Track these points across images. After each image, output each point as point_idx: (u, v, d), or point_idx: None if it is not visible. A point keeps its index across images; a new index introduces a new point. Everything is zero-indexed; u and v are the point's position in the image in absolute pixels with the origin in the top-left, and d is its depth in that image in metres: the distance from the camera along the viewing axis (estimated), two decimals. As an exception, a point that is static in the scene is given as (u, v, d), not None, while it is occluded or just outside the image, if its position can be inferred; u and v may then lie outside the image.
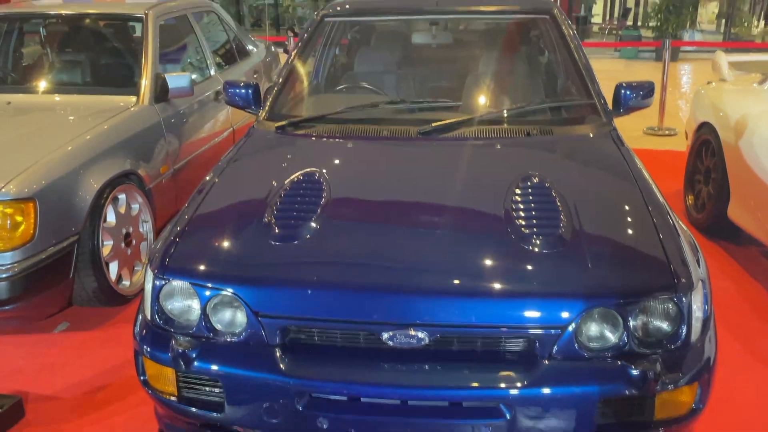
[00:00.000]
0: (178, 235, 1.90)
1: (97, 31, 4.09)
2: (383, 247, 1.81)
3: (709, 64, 4.54)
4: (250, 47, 5.48)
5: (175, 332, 1.76)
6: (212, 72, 4.46)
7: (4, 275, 2.44)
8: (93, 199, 2.83)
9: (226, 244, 1.87)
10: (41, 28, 4.12)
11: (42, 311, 2.73)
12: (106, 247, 2.93)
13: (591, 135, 2.45)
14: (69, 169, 2.76)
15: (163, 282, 1.77)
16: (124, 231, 3.10)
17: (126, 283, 3.09)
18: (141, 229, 3.26)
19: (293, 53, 2.97)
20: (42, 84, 3.72)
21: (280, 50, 7.03)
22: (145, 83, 3.56)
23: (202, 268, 1.77)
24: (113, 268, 2.99)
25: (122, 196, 3.09)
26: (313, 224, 1.86)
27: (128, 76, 3.76)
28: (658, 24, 12.04)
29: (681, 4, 11.81)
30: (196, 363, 1.68)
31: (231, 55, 5.04)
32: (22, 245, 2.50)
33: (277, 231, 1.84)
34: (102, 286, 2.87)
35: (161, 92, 3.58)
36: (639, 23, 15.68)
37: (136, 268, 3.20)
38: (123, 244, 3.09)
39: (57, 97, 3.51)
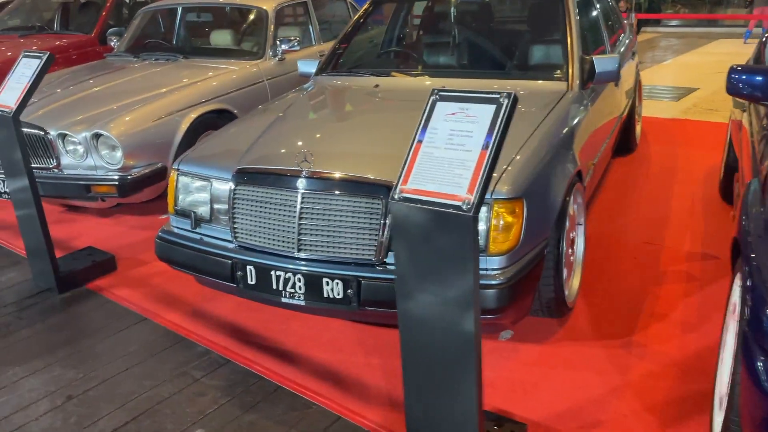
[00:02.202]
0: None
1: (511, 9, 3.85)
2: None
3: None
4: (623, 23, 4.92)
5: None
6: (607, 52, 3.98)
7: (495, 282, 2.22)
8: (562, 199, 2.52)
9: None
10: (451, 8, 4.00)
11: (509, 320, 2.51)
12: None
13: None
14: (543, 166, 2.48)
15: None
16: (572, 235, 2.78)
17: (565, 292, 2.76)
18: (575, 233, 2.91)
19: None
20: (462, 67, 3.56)
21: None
22: (574, 67, 3.19)
23: None
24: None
25: (570, 198, 2.75)
26: None
27: (551, 58, 3.43)
28: None
29: None
30: None
31: (614, 32, 4.51)
32: (510, 250, 2.26)
33: None
34: (557, 295, 2.57)
35: (587, 77, 3.20)
36: None
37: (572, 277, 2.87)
38: (570, 250, 2.77)
39: (486, 82, 3.28)
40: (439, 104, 1.67)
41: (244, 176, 2.54)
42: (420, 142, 1.66)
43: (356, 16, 4.02)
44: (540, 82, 3.20)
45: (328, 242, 2.37)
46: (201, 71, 4.55)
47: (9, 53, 6.11)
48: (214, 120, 4.27)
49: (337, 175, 2.38)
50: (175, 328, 2.87)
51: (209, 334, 2.80)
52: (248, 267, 2.49)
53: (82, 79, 4.55)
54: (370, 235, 2.32)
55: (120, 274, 3.46)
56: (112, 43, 5.66)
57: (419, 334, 1.72)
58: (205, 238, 2.69)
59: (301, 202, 2.39)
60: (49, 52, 2.98)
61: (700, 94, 7.32)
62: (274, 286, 2.45)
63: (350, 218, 2.34)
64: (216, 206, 2.65)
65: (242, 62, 4.78)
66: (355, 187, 2.34)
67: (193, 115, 4.09)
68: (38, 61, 2.98)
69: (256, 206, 2.50)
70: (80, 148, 3.76)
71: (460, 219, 1.52)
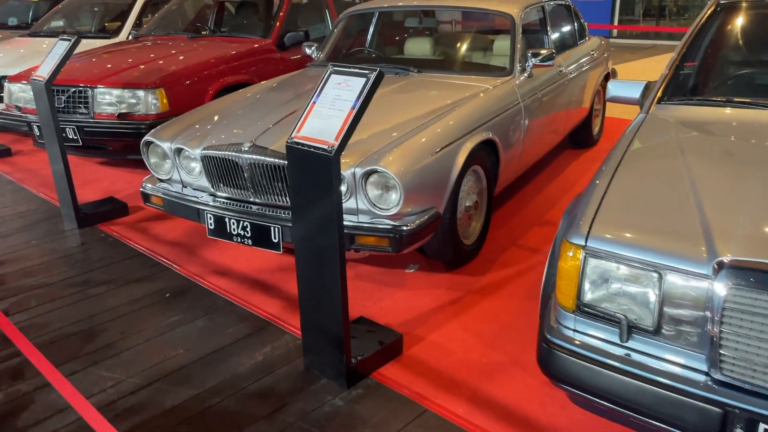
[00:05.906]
0: None
1: None
2: None
3: None
4: None
5: None
6: None
7: None
8: None
9: None
10: None
11: None
12: None
13: None
14: None
15: None
16: None
17: None
18: None
19: None
20: None
21: None
22: None
23: None
24: None
25: None
26: None
27: None
28: None
29: None
30: None
31: None
32: None
33: None
34: None
35: None
36: None
37: None
38: None
39: None
40: None
41: (747, 275, 1.60)
42: None
43: (697, 23, 3.05)
44: None
45: None
46: (452, 91, 3.68)
47: (199, 50, 5.52)
48: (479, 152, 3.40)
49: None
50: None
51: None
52: (761, 425, 1.56)
53: (305, 98, 3.77)
54: None
55: (407, 359, 2.61)
56: (309, 51, 4.90)
57: None
58: (635, 356, 1.78)
59: None
60: (378, 69, 2.16)
61: None
62: (817, 466, 1.51)
63: None
64: (671, 312, 1.73)
65: (492, 79, 3.89)
66: None
67: (467, 148, 3.23)
68: (363, 80, 2.16)
69: (772, 326, 1.56)
70: (342, 187, 2.95)
71: None
